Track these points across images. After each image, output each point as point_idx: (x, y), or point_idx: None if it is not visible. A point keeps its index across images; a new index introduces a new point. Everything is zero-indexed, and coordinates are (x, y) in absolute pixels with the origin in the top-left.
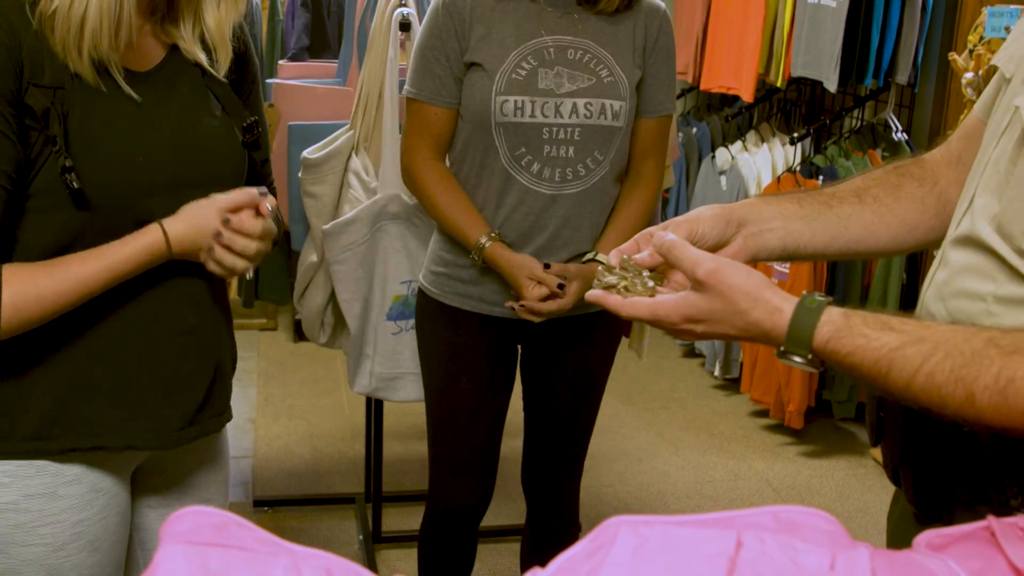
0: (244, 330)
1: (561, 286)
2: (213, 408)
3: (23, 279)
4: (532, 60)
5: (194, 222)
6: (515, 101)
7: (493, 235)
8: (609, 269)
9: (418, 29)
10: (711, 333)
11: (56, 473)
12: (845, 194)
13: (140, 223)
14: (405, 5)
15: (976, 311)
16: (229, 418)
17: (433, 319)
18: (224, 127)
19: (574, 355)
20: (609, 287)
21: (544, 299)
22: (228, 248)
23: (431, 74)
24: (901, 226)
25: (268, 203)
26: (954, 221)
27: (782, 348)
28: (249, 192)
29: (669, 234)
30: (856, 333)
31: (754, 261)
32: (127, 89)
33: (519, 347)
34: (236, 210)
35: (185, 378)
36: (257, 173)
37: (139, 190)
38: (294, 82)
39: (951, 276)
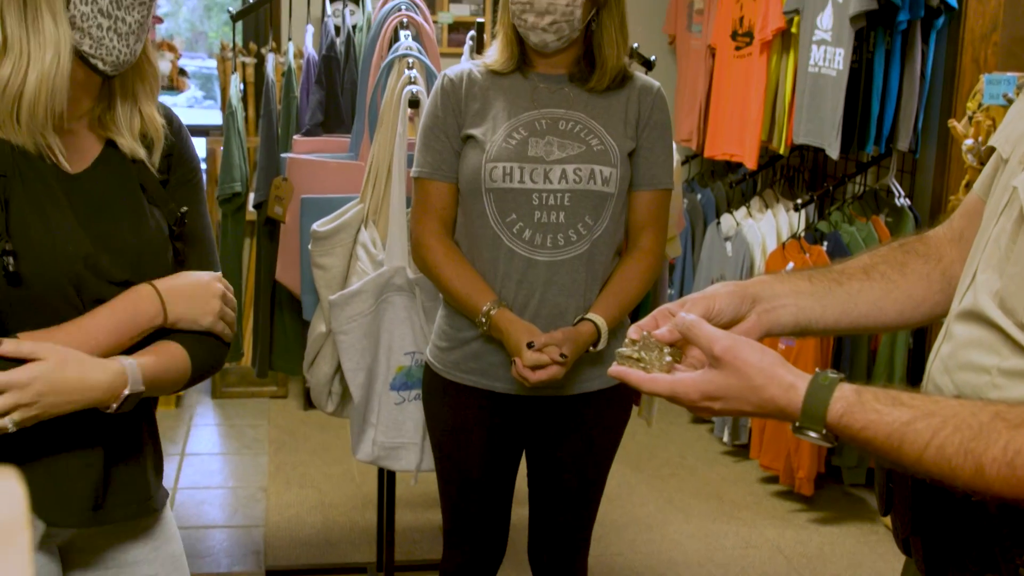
0: (255, 398)
1: (563, 355)
2: (120, 497)
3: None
4: (523, 131)
5: (189, 292)
6: (504, 167)
7: (501, 304)
8: (631, 344)
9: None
10: (728, 410)
11: None
12: (854, 271)
13: (67, 298)
14: (414, 83)
15: (981, 384)
16: (148, 510)
17: (439, 394)
18: (152, 221)
19: (579, 433)
20: (629, 362)
21: (538, 367)
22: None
23: (432, 151)
24: (908, 301)
25: None
26: (957, 296)
27: (797, 423)
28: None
29: (688, 314)
30: (868, 408)
31: (767, 336)
32: (63, 170)
33: (524, 423)
34: None
35: (90, 461)
36: (180, 260)
37: (67, 275)
38: (307, 156)
39: (956, 349)
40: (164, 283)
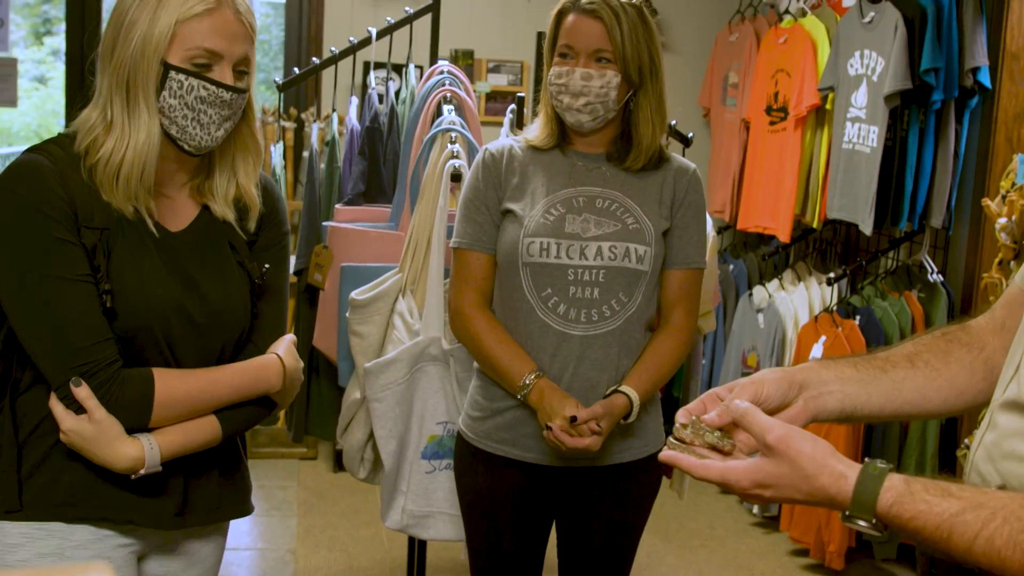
0: (284, 459)
1: (598, 425)
2: (195, 508)
3: (174, 381)
4: (561, 208)
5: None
6: (541, 242)
7: (543, 374)
8: (682, 428)
9: None
10: (779, 497)
11: (64, 537)
12: (898, 359)
13: (154, 337)
14: (457, 157)
15: None
16: (210, 520)
17: (471, 463)
18: (236, 276)
19: (610, 505)
20: (680, 446)
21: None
22: None
23: (473, 222)
24: (951, 390)
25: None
26: (1000, 385)
27: (847, 512)
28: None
29: (741, 401)
30: (918, 499)
31: (813, 422)
32: (155, 232)
33: (555, 493)
34: None
35: (175, 481)
36: (255, 313)
37: (155, 316)
38: (348, 225)
39: (1000, 439)
40: (289, 360)
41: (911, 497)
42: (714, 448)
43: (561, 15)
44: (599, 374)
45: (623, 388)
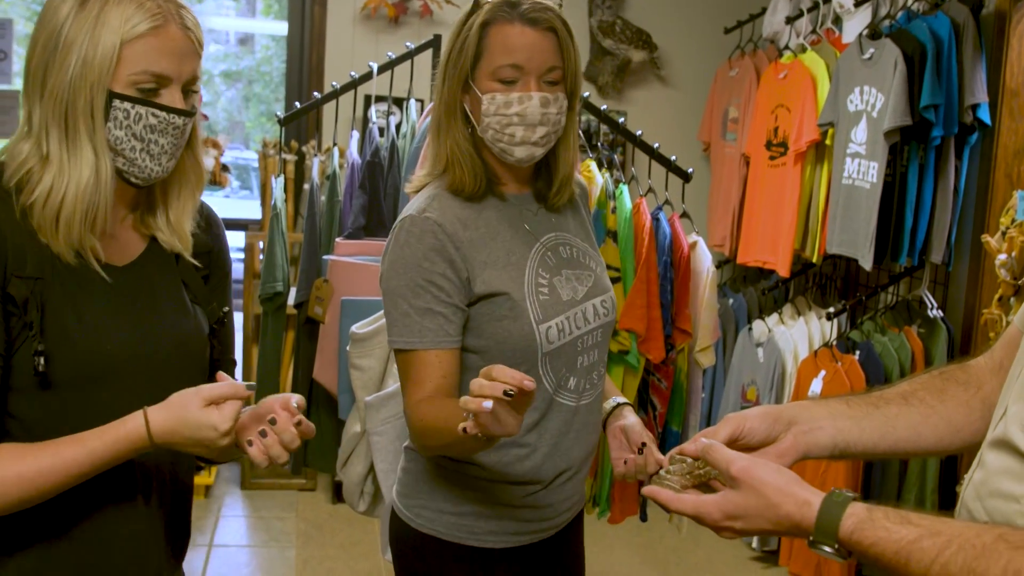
0: (283, 490)
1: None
2: None
3: (7, 459)
4: (544, 273)
5: (178, 412)
6: (556, 324)
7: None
8: (670, 473)
9: None
10: (749, 529)
11: None
12: (892, 396)
13: (103, 403)
14: None
15: (1011, 512)
16: None
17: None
18: (191, 316)
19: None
20: (669, 482)
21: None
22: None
23: (431, 314)
24: (947, 427)
25: (295, 401)
26: (992, 424)
27: (811, 538)
28: (235, 385)
29: (708, 439)
30: (878, 526)
31: (806, 458)
32: (101, 272)
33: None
34: (219, 401)
35: (133, 560)
36: (214, 360)
37: (104, 374)
38: (348, 259)
39: (987, 477)
40: (157, 417)
41: (871, 524)
42: (702, 481)
43: (487, 26)
44: (593, 435)
45: (621, 399)
